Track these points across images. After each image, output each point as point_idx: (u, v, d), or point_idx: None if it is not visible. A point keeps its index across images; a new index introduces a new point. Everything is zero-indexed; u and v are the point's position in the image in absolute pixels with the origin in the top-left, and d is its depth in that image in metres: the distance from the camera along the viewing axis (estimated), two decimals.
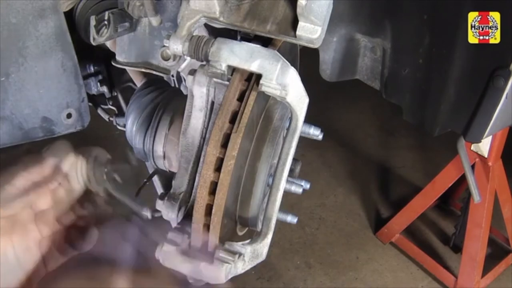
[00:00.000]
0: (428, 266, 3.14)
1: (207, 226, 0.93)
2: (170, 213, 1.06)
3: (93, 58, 1.69)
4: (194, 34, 0.93)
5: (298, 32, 0.89)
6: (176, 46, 0.91)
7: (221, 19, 0.93)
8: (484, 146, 2.68)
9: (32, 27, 1.29)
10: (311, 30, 0.88)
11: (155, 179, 1.75)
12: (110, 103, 1.79)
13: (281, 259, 3.19)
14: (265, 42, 0.99)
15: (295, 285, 3.08)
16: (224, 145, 0.91)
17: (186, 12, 0.92)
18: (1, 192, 0.81)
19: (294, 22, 0.90)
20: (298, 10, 0.86)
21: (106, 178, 0.84)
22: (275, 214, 0.96)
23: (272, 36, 0.94)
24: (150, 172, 1.73)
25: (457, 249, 3.21)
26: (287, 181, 1.01)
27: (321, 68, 1.48)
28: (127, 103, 1.56)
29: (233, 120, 0.92)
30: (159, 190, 1.76)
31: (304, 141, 1.09)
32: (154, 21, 1.13)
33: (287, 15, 0.91)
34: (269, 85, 0.87)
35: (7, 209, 0.80)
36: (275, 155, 1.05)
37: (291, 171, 1.09)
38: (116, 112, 1.78)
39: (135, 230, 0.85)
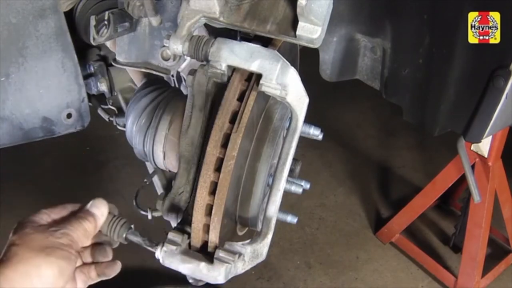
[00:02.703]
0: (428, 266, 3.14)
1: (207, 226, 0.93)
2: (170, 213, 1.06)
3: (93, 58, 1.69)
4: (194, 34, 0.93)
5: (298, 32, 0.89)
6: (176, 46, 0.91)
7: (221, 19, 0.93)
8: (484, 146, 2.67)
9: (32, 27, 1.29)
10: (311, 30, 0.88)
11: (155, 180, 1.76)
12: (110, 103, 1.79)
13: (281, 259, 3.19)
14: (265, 42, 0.99)
15: (295, 285, 3.08)
16: (224, 145, 0.91)
17: (186, 12, 0.92)
18: (38, 220, 0.90)
19: (294, 22, 0.90)
20: (298, 10, 0.86)
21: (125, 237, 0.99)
22: (275, 214, 0.96)
23: (272, 36, 0.94)
24: (150, 172, 1.74)
25: (457, 249, 3.20)
26: (287, 181, 1.01)
27: (321, 68, 1.48)
28: (127, 103, 1.56)
29: (233, 120, 0.92)
30: (159, 190, 1.77)
31: (304, 141, 1.09)
32: (154, 21, 1.13)
33: (287, 15, 0.91)
34: (269, 85, 0.87)
35: (46, 237, 0.87)
36: (275, 155, 1.05)
37: (291, 171, 1.09)
38: (116, 112, 1.78)
39: None
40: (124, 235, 0.97)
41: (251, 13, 0.93)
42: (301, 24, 0.88)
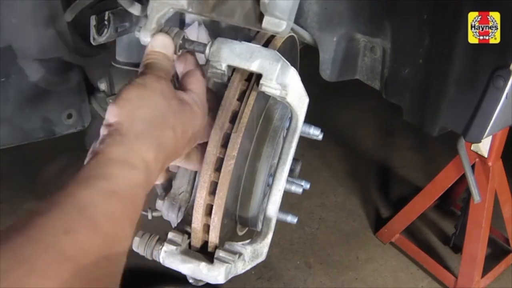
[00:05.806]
0: (428, 266, 3.14)
1: (207, 226, 0.93)
2: (170, 213, 1.06)
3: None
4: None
5: (263, 26, 0.89)
6: (146, 39, 0.91)
7: (190, 10, 0.93)
8: (484, 146, 2.67)
9: (32, 27, 1.30)
10: (276, 24, 0.88)
11: None
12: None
13: (281, 259, 3.19)
14: (266, 42, 0.99)
15: (295, 285, 3.08)
16: (224, 145, 0.91)
17: (155, 4, 0.92)
18: None
19: (261, 14, 0.90)
20: (261, 8, 0.86)
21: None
22: (275, 214, 0.96)
23: (241, 26, 0.94)
24: None
25: (457, 249, 3.20)
26: (287, 181, 1.01)
27: (321, 68, 1.48)
28: None
29: (233, 120, 0.92)
30: (159, 190, 1.76)
31: (304, 141, 1.09)
32: (134, 11, 1.12)
33: (254, 7, 0.91)
34: (269, 85, 0.87)
35: None
36: (275, 155, 1.05)
37: (291, 171, 1.09)
38: None
39: None
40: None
41: (219, 4, 0.93)
42: (266, 18, 0.88)
